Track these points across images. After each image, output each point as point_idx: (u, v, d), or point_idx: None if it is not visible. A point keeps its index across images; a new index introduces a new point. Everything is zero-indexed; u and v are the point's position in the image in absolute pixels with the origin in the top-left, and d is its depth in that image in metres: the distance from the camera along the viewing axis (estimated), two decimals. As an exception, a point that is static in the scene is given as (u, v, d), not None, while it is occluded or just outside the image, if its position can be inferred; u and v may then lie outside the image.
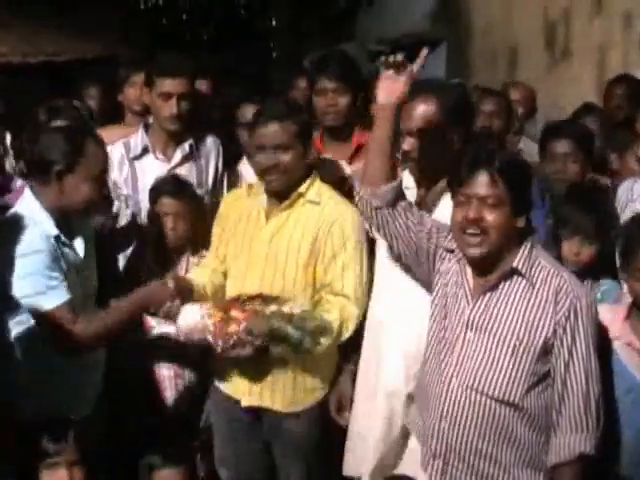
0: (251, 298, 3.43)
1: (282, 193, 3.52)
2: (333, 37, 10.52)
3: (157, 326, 3.69)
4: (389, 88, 3.12)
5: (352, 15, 11.24)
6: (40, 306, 3.23)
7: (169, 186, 3.97)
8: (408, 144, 3.26)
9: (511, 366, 2.89)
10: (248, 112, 4.29)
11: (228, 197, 3.86)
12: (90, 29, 8.46)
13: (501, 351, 2.90)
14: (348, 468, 3.58)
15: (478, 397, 2.91)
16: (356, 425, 3.56)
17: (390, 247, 3.28)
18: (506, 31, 7.68)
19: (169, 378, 3.81)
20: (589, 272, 3.51)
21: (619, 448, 3.12)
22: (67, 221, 3.40)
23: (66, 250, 3.36)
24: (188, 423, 3.87)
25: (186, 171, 4.19)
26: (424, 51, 3.20)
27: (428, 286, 3.18)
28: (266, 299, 3.40)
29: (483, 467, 2.94)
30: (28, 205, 3.35)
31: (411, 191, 3.39)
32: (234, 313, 3.35)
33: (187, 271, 3.91)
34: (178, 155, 4.20)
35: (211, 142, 4.33)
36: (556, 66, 6.85)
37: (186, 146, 4.21)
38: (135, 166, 4.20)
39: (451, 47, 8.77)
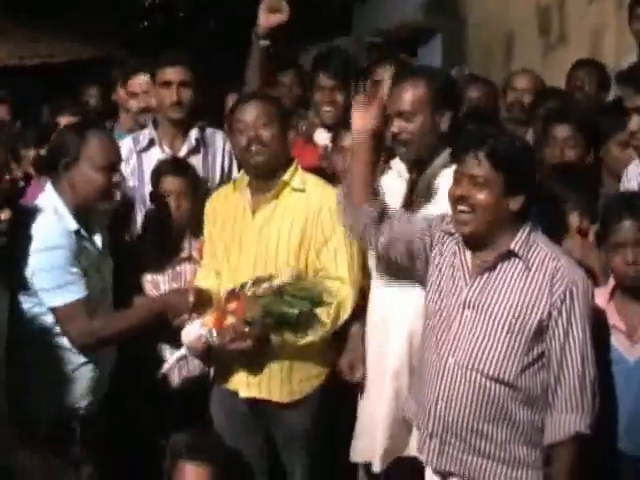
0: (244, 285, 3.47)
1: (265, 172, 3.58)
2: (328, 31, 10.54)
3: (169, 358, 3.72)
4: (363, 116, 3.29)
5: (348, 8, 11.26)
6: (57, 300, 3.33)
7: (169, 165, 4.06)
8: (397, 126, 3.39)
9: (506, 345, 2.98)
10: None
11: (213, 197, 3.88)
12: (85, 31, 8.52)
13: (497, 330, 2.99)
14: (355, 454, 3.64)
15: (474, 375, 3.00)
16: (364, 410, 3.62)
17: (381, 257, 3.37)
18: (501, 20, 7.75)
19: (173, 362, 3.84)
20: None
21: (615, 427, 3.20)
22: (86, 216, 3.48)
23: (86, 245, 3.45)
24: (191, 410, 3.88)
25: (193, 164, 4.24)
26: (387, 75, 3.38)
27: (423, 280, 3.25)
28: (257, 281, 3.44)
29: (479, 445, 3.03)
30: (49, 200, 3.44)
31: (402, 178, 3.50)
32: (230, 306, 3.41)
33: (190, 254, 3.98)
34: (184, 148, 4.28)
35: (219, 137, 4.38)
36: (552, 52, 6.91)
37: (192, 139, 4.29)
38: (142, 158, 4.28)
39: (446, 38, 8.83)
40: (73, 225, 3.41)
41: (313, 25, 9.54)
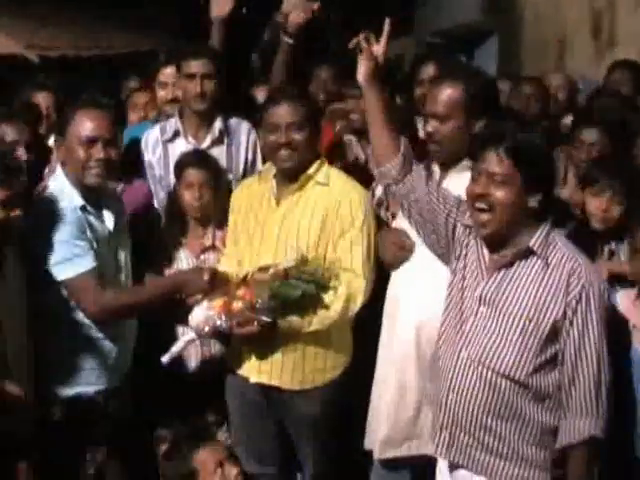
0: (255, 273, 3.55)
1: (292, 174, 3.67)
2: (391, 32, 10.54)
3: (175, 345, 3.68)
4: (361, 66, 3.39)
5: (410, 9, 11.28)
6: (67, 272, 3.43)
7: (192, 157, 4.18)
8: (431, 126, 3.44)
9: (519, 344, 2.99)
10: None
11: (239, 187, 4.01)
12: (145, 22, 8.65)
13: (510, 328, 3.00)
14: (367, 442, 3.71)
15: (485, 372, 3.02)
16: (373, 398, 3.69)
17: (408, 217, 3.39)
18: (554, 22, 7.74)
19: (194, 346, 3.88)
20: (615, 233, 3.65)
21: (635, 433, 3.24)
22: (95, 194, 3.59)
23: (93, 220, 3.55)
24: (212, 394, 3.97)
25: (217, 155, 4.37)
26: (387, 25, 3.46)
27: (443, 257, 3.29)
28: (265, 268, 3.53)
29: (487, 441, 3.05)
30: (58, 179, 3.57)
31: (434, 174, 3.53)
32: (239, 292, 3.50)
33: (213, 243, 4.09)
34: (208, 139, 4.40)
35: (244, 128, 4.48)
36: (602, 55, 6.90)
37: (216, 130, 4.40)
38: (168, 148, 4.41)
39: (502, 38, 8.84)
40: (79, 201, 3.52)
41: (376, 26, 9.57)
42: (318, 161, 3.70)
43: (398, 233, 3.60)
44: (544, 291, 2.97)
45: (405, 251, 3.55)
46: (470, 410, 3.04)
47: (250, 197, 3.82)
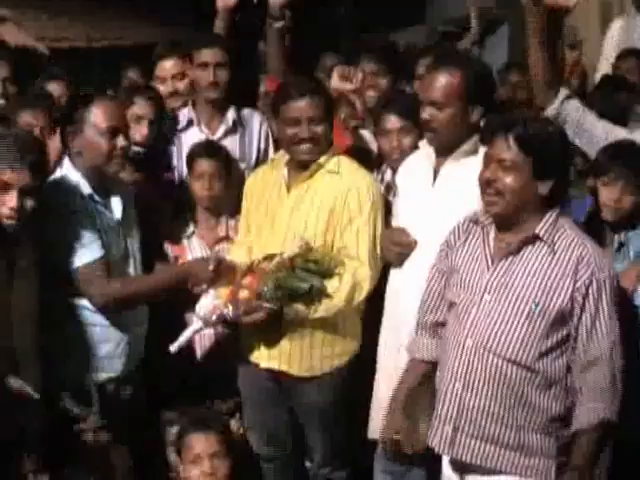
0: (261, 261, 3.62)
1: (307, 165, 3.73)
2: (403, 21, 10.57)
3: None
4: None
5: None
6: (75, 262, 3.49)
7: (203, 148, 4.22)
8: (428, 113, 3.50)
9: (525, 328, 3.02)
10: None
11: (252, 175, 4.08)
12: (156, 14, 8.67)
13: (516, 313, 3.04)
14: (370, 431, 3.76)
15: (491, 358, 3.05)
16: (376, 387, 3.74)
17: None
18: (566, 11, 7.75)
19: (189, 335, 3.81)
20: (628, 223, 3.66)
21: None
22: (102, 182, 3.65)
23: (101, 209, 3.62)
24: (223, 381, 4.02)
25: (230, 145, 4.41)
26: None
27: None
28: (271, 257, 3.59)
29: (493, 431, 3.07)
30: (66, 169, 3.63)
31: (429, 160, 3.61)
32: (245, 281, 3.56)
33: (227, 234, 4.15)
34: (221, 129, 4.46)
35: (256, 118, 4.54)
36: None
37: (229, 120, 4.46)
38: (181, 138, 4.46)
39: (513, 27, 8.83)
40: (87, 190, 3.58)
41: (388, 14, 9.56)
42: (330, 150, 3.77)
43: (398, 232, 3.66)
44: (551, 276, 3.02)
45: (405, 249, 3.60)
46: (477, 397, 3.07)
47: (262, 184, 3.88)
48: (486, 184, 3.09)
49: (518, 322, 3.03)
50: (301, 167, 3.75)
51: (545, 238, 3.04)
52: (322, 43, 6.64)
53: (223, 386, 4.06)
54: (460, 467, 3.20)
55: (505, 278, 3.07)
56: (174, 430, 3.79)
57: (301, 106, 3.68)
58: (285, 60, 4.53)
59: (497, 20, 9.09)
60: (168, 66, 4.76)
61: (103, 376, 3.65)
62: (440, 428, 3.16)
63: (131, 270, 3.73)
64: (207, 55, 4.39)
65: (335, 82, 4.29)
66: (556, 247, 3.03)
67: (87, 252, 3.51)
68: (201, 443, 3.56)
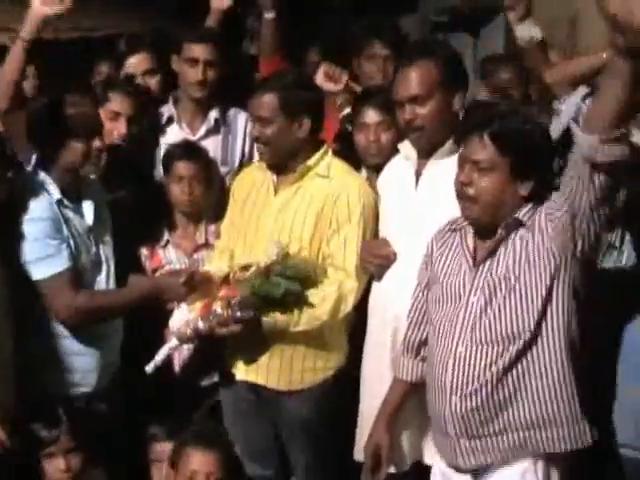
0: (237, 272, 3.55)
1: (277, 166, 3.68)
2: (394, 9, 10.49)
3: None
4: None
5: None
6: (39, 273, 3.42)
7: (182, 150, 4.12)
8: (409, 112, 3.39)
9: (519, 304, 2.94)
10: None
11: (238, 176, 4.00)
12: (129, 4, 8.54)
13: (507, 298, 2.95)
14: (356, 451, 3.64)
15: (489, 351, 2.96)
16: (363, 406, 3.63)
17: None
18: (565, 1, 7.65)
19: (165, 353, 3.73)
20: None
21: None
22: (74, 186, 3.58)
23: (70, 214, 3.53)
24: (195, 391, 3.98)
25: (211, 146, 4.33)
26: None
27: None
28: (248, 267, 3.52)
29: (502, 423, 2.99)
30: (35, 172, 3.54)
31: (412, 161, 3.52)
32: (221, 293, 3.49)
33: (206, 240, 4.07)
34: (203, 128, 4.37)
35: (241, 119, 4.42)
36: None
37: (211, 120, 4.37)
38: (159, 135, 4.36)
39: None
40: (57, 195, 3.49)
41: (379, 3, 9.48)
42: (321, 151, 3.68)
43: (377, 243, 3.58)
44: (534, 252, 2.93)
45: (385, 261, 3.51)
46: (478, 403, 2.97)
47: (250, 185, 3.82)
48: (462, 187, 2.99)
49: (510, 304, 2.94)
50: (289, 169, 3.67)
51: (524, 220, 2.95)
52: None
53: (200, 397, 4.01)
54: (471, 471, 3.10)
55: (489, 274, 3.00)
56: (160, 446, 3.74)
57: (252, 104, 3.67)
58: (279, 49, 4.54)
59: (493, 9, 8.97)
60: (135, 62, 4.60)
61: (76, 391, 3.59)
62: (445, 445, 3.10)
63: (103, 277, 3.65)
64: (197, 51, 4.28)
65: (320, 80, 4.23)
66: (535, 226, 2.94)
67: (53, 263, 3.43)
68: (200, 460, 3.53)
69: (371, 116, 3.92)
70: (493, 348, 2.96)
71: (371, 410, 3.47)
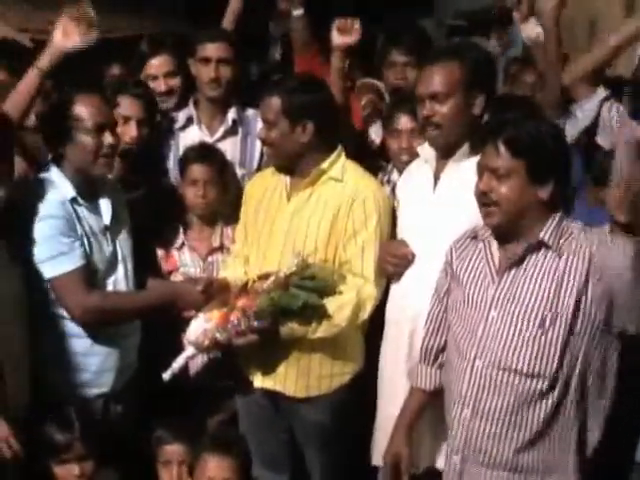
0: (255, 281, 3.57)
1: (284, 169, 3.69)
2: (410, 13, 10.52)
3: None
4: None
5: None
6: (52, 271, 3.43)
7: (197, 152, 4.13)
8: (428, 109, 3.42)
9: (539, 339, 2.94)
10: None
11: (252, 181, 4.00)
12: (148, 5, 8.58)
13: (528, 325, 2.96)
14: (374, 457, 3.66)
15: (505, 377, 2.98)
16: (380, 412, 3.64)
17: None
18: (583, 1, 7.64)
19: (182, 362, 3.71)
20: None
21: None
22: (90, 184, 3.58)
23: (84, 213, 3.54)
24: (212, 396, 3.98)
25: (229, 147, 4.37)
26: None
27: None
28: (266, 275, 3.52)
29: (507, 457, 2.99)
30: (50, 171, 3.55)
31: (430, 164, 3.54)
32: (239, 303, 3.49)
33: (222, 243, 4.07)
34: (221, 129, 4.40)
35: (260, 121, 4.40)
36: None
37: (229, 120, 4.40)
38: (179, 137, 4.41)
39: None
40: (70, 193, 3.50)
41: (395, 6, 9.51)
42: (334, 153, 3.67)
43: (395, 244, 3.58)
44: (561, 281, 2.93)
45: (403, 262, 3.52)
46: (487, 425, 3.00)
47: (263, 189, 3.80)
48: (481, 196, 3.02)
49: (530, 334, 2.95)
50: (303, 172, 3.65)
51: (550, 242, 2.97)
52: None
53: (214, 401, 4.01)
54: None
55: (511, 290, 3.01)
56: (170, 447, 3.74)
57: (261, 105, 3.68)
58: (312, 45, 4.60)
59: (511, 12, 8.98)
60: (157, 63, 4.61)
61: (91, 392, 3.59)
62: (449, 457, 3.12)
63: (120, 277, 3.65)
64: (210, 50, 4.34)
65: (335, 37, 4.17)
66: (562, 251, 2.95)
67: (66, 261, 3.43)
68: (216, 466, 3.54)
69: (404, 122, 4.00)
70: (510, 376, 2.97)
71: (389, 413, 3.50)
